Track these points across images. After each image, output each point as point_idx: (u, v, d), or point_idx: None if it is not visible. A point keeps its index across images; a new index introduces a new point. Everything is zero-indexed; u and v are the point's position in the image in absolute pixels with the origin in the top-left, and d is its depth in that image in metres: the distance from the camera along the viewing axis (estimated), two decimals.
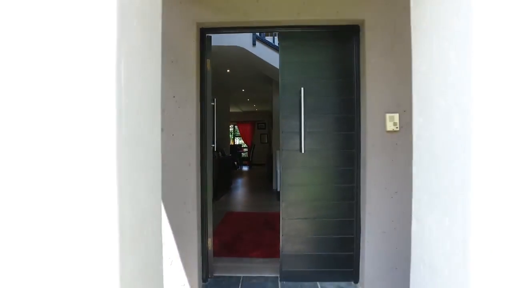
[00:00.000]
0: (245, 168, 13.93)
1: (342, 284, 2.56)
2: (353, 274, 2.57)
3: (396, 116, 2.34)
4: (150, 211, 1.44)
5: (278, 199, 2.70)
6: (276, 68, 3.77)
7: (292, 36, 2.61)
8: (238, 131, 16.03)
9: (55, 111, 1.02)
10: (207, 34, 2.62)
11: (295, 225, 2.62)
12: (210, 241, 2.67)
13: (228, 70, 6.90)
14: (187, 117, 2.44)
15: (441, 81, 1.28)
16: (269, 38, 5.62)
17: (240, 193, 7.59)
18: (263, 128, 15.16)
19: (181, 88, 2.43)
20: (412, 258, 1.55)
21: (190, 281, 2.50)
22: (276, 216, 2.87)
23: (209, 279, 2.66)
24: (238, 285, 2.57)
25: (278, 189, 2.74)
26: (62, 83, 1.01)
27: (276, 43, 5.13)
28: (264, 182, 8.84)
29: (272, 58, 5.22)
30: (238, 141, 16.68)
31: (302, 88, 2.55)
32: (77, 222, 1.07)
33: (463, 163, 1.13)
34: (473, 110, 1.07)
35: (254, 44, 5.15)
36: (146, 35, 1.39)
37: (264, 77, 7.03)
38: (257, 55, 5.27)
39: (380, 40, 2.34)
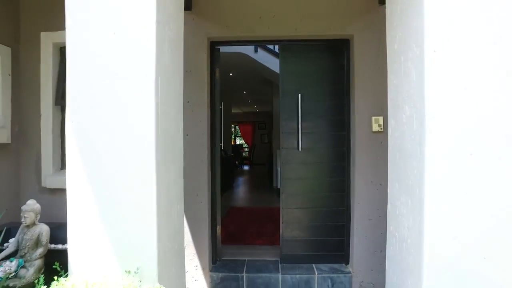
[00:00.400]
0: (246, 168, 14.27)
1: (335, 265, 2.91)
2: (344, 257, 2.92)
3: (381, 119, 2.70)
4: (175, 197, 1.81)
5: (278, 195, 3.05)
6: (276, 72, 4.11)
7: (291, 48, 2.97)
8: (239, 131, 16.37)
9: (121, 116, 1.42)
10: (216, 46, 2.97)
11: (294, 214, 2.97)
12: (218, 229, 3.02)
13: (231, 74, 7.25)
14: (199, 119, 2.79)
15: (406, 92, 1.64)
16: (270, 45, 5.96)
17: (242, 190, 7.94)
18: (263, 128, 15.49)
19: (195, 94, 2.78)
20: (387, 234, 1.91)
21: (201, 263, 2.85)
22: (277, 211, 3.21)
23: (218, 262, 3.01)
24: (244, 267, 2.92)
25: (278, 186, 3.08)
26: (126, 98, 1.41)
27: (277, 49, 5.47)
28: (265, 181, 9.18)
29: (272, 63, 5.57)
30: (238, 141, 17.02)
31: (299, 94, 2.91)
32: (137, 197, 1.47)
33: (419, 156, 1.49)
34: (426, 115, 1.42)
35: (256, 51, 5.50)
36: (173, 55, 1.76)
37: (265, 80, 7.37)
38: (259, 60, 5.62)
39: (367, 53, 2.70)
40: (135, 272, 1.47)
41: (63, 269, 1.57)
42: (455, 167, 1.40)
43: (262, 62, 5.64)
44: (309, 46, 2.95)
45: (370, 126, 2.72)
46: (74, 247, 1.53)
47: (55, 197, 2.80)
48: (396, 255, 1.77)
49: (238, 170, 12.87)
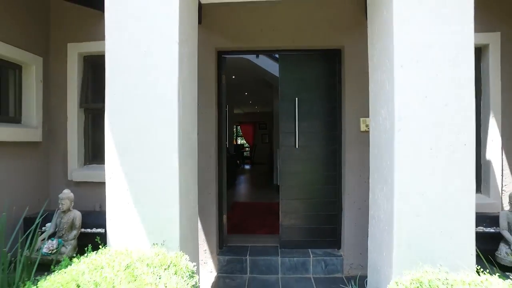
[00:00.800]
0: (247, 167, 14.62)
1: (328, 250, 3.26)
2: (336, 242, 3.27)
3: (368, 120, 3.05)
4: (192, 185, 2.17)
5: (278, 192, 3.40)
6: (276, 76, 4.45)
7: (289, 57, 3.32)
8: (240, 131, 16.72)
9: (150, 118, 1.78)
10: (223, 55, 3.32)
11: (291, 204, 3.33)
12: (224, 218, 3.37)
13: (233, 76, 7.61)
14: (208, 120, 3.15)
15: (382, 98, 1.99)
16: None
17: (244, 187, 8.29)
18: (264, 128, 15.82)
19: (204, 98, 3.13)
20: (369, 217, 2.27)
21: (209, 247, 3.20)
22: (277, 205, 3.56)
23: (224, 247, 3.36)
24: (247, 251, 3.27)
25: (279, 183, 3.42)
26: (155, 103, 1.77)
27: (276, 55, 5.81)
28: (266, 178, 9.54)
29: (273, 67, 5.92)
30: (240, 141, 17.37)
31: (296, 98, 3.26)
32: (163, 184, 1.82)
33: (390, 150, 1.85)
34: (395, 117, 1.78)
35: (257, 56, 5.86)
36: (190, 67, 2.13)
37: (265, 82, 7.72)
38: (260, 65, 5.97)
39: (355, 63, 3.05)
40: (161, 244, 1.82)
41: (94, 249, 1.86)
42: (418, 159, 1.76)
43: (263, 66, 5.99)
44: (305, 55, 3.30)
45: (359, 126, 3.07)
46: (111, 225, 1.89)
47: (80, 189, 3.16)
48: (376, 234, 2.13)
49: (240, 169, 13.22)
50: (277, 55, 3.57)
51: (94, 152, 3.40)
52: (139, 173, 1.87)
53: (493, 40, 3.05)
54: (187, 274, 1.55)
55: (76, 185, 3.22)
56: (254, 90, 9.69)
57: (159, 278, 1.39)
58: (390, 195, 1.85)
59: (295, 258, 3.11)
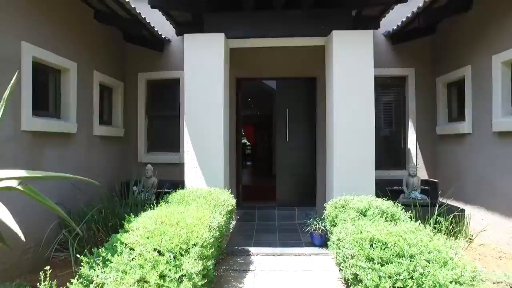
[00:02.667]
0: (248, 163, 16.28)
1: (307, 207, 4.94)
2: (312, 201, 4.97)
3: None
4: (227, 161, 3.89)
5: (275, 179, 5.07)
6: (274, 88, 6.16)
7: (283, 82, 5.02)
8: (243, 132, 18.39)
9: (209, 126, 3.51)
10: (240, 81, 5.02)
11: (284, 177, 5.02)
12: (240, 186, 5.07)
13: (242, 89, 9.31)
14: (231, 125, 4.85)
15: (330, 110, 3.70)
16: None
17: (248, 177, 9.98)
18: (264, 129, 17.44)
19: (230, 111, 4.83)
20: (326, 178, 3.97)
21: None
22: (275, 188, 5.24)
23: (239, 206, 5.05)
24: (255, 208, 4.95)
25: (275, 172, 5.09)
26: (210, 118, 3.51)
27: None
28: (265, 171, 11.23)
29: (272, 83, 7.63)
30: (243, 140, 19.00)
31: (287, 109, 4.97)
32: (216, 162, 3.55)
33: (334, 139, 3.58)
34: (334, 121, 3.49)
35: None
36: (225, 95, 3.84)
37: (266, 91, 9.44)
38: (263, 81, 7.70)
39: (323, 86, 4.74)
40: (214, 187, 3.52)
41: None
42: (346, 145, 3.47)
43: (265, 81, 7.72)
44: (293, 81, 5.01)
45: (325, 126, 4.77)
46: (187, 178, 3.59)
47: (144, 168, 4.83)
48: (329, 181, 3.84)
49: (243, 164, 14.85)
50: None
51: (153, 144, 5.09)
52: (202, 151, 3.57)
53: (411, 73, 4.78)
54: (231, 196, 3.24)
55: (143, 165, 4.90)
56: (256, 97, 11.39)
57: (220, 194, 3.08)
58: (334, 162, 3.57)
59: (286, 211, 4.79)
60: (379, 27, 4.55)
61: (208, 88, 3.58)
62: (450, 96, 4.58)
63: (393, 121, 5.04)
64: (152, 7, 3.70)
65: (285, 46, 4.51)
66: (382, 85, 4.90)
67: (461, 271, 1.60)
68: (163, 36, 4.80)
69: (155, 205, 2.83)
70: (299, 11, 3.76)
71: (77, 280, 1.57)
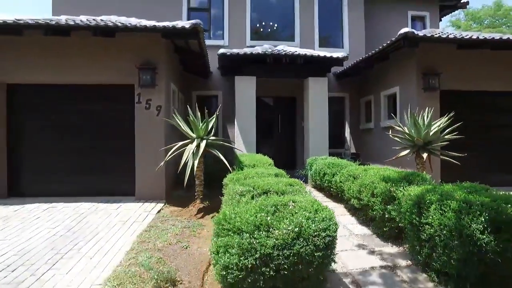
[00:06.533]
0: None
1: (291, 170, 8.43)
2: (294, 167, 8.48)
3: (303, 123, 8.33)
4: (254, 140, 7.29)
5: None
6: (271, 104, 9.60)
7: (276, 99, 8.50)
8: None
9: (245, 123, 6.94)
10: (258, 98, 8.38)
11: (280, 153, 8.47)
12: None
13: None
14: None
15: (306, 118, 7.29)
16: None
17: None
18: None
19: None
20: (304, 148, 7.56)
21: None
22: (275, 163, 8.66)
23: None
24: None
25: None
26: (247, 118, 6.93)
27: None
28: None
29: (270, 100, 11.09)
30: None
31: (279, 114, 8.45)
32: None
33: (310, 133, 7.21)
34: (309, 125, 7.08)
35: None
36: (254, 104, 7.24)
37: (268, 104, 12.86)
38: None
39: (301, 104, 8.29)
40: (248, 151, 6.89)
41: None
42: (314, 132, 7.07)
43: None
44: (282, 98, 8.50)
45: (302, 125, 8.32)
46: (238, 149, 6.94)
47: None
48: (305, 153, 7.43)
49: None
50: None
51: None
52: (245, 135, 6.92)
53: (347, 95, 8.58)
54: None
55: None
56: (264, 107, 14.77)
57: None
58: (309, 142, 7.15)
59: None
60: (331, 72, 8.24)
61: (247, 103, 6.89)
62: (366, 109, 8.44)
63: (337, 121, 8.78)
64: (222, 75, 7.04)
65: (282, 81, 8.00)
66: (332, 101, 8.57)
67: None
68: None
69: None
70: (293, 66, 7.25)
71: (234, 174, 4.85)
